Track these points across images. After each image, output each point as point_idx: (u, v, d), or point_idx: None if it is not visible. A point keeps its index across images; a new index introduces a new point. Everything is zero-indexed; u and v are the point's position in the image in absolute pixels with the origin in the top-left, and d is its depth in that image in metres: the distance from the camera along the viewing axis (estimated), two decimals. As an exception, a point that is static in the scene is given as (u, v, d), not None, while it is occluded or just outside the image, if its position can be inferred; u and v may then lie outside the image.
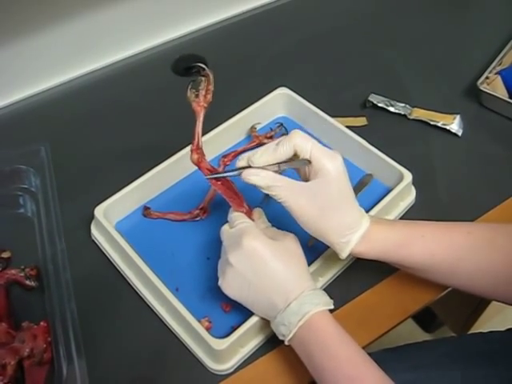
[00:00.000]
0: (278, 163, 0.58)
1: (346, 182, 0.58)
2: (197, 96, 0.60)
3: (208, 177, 0.61)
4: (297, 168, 0.60)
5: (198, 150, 0.61)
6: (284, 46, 1.02)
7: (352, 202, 0.59)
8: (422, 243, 0.59)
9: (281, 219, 0.67)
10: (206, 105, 0.61)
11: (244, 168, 0.58)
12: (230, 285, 0.59)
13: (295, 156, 0.58)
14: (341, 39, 1.04)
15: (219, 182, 0.62)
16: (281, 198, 0.57)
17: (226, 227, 0.62)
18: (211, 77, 0.60)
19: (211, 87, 0.61)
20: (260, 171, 0.57)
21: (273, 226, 0.63)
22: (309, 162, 0.57)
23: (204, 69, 0.60)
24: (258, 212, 0.63)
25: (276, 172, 0.58)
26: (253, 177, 0.57)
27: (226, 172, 0.62)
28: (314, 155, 0.57)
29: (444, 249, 0.59)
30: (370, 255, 0.60)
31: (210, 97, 0.61)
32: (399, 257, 0.60)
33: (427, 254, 0.59)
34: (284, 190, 0.56)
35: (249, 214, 0.62)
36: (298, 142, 0.57)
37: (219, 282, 0.60)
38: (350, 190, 0.58)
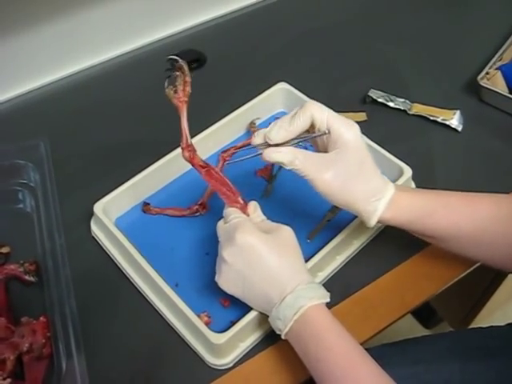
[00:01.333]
0: (295, 138, 0.57)
1: (365, 149, 0.58)
2: (176, 92, 0.59)
3: (204, 173, 0.61)
4: (312, 141, 0.60)
5: (189, 146, 0.61)
6: (283, 40, 1.02)
7: (374, 169, 0.59)
8: (447, 212, 0.59)
9: (281, 213, 0.67)
10: (186, 98, 0.60)
11: (262, 146, 0.58)
12: (226, 280, 0.59)
13: (311, 128, 0.58)
14: (341, 34, 1.03)
15: (213, 179, 0.61)
16: (304, 172, 0.56)
17: (221, 223, 0.62)
18: (185, 68, 0.59)
19: (188, 78, 0.59)
20: (281, 148, 0.57)
21: (272, 220, 0.63)
22: (327, 132, 0.57)
23: (177, 61, 0.58)
24: (253, 205, 0.63)
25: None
26: (274, 154, 0.57)
27: (243, 155, 0.61)
28: (331, 125, 0.56)
29: (468, 219, 0.59)
30: (396, 222, 0.59)
31: (188, 89, 0.60)
32: (423, 226, 0.59)
33: (452, 223, 0.59)
34: (307, 163, 0.56)
35: (244, 209, 0.62)
36: (314, 113, 0.57)
37: (216, 278, 0.60)
38: (370, 157, 0.58)
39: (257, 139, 0.59)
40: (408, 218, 0.59)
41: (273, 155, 0.57)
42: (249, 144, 0.81)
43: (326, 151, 0.58)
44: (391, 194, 0.58)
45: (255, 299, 0.59)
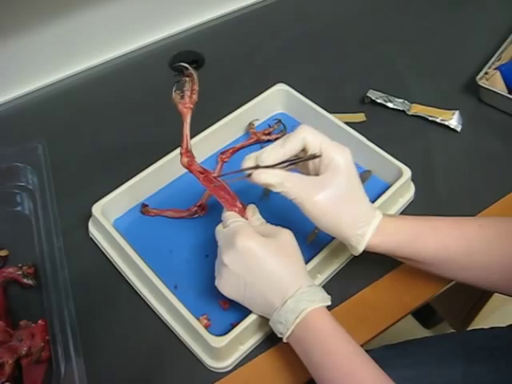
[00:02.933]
0: (287, 161, 0.57)
1: (355, 174, 0.58)
2: (182, 97, 0.59)
3: (210, 186, 0.61)
4: (303, 166, 0.60)
5: (188, 152, 0.60)
6: (282, 42, 1.02)
7: (363, 195, 0.59)
8: (435, 235, 0.59)
9: (280, 215, 0.67)
10: (191, 106, 0.60)
11: (251, 169, 0.57)
12: (226, 285, 0.58)
13: (303, 151, 0.58)
14: (339, 35, 1.03)
15: (211, 184, 0.61)
16: (293, 194, 0.56)
17: (219, 227, 0.61)
18: (195, 76, 0.59)
19: (196, 87, 0.59)
20: (270, 170, 0.56)
21: (271, 223, 0.62)
22: (319, 155, 0.56)
23: (187, 68, 0.59)
24: (251, 209, 0.63)
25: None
26: (264, 175, 0.56)
27: (233, 174, 0.60)
28: (323, 148, 0.56)
29: (456, 241, 0.58)
30: (385, 248, 0.59)
31: (195, 97, 0.60)
32: (413, 250, 0.59)
33: (441, 246, 0.58)
34: (296, 185, 0.56)
35: (242, 212, 0.62)
36: (307, 136, 0.57)
37: (216, 283, 0.59)
38: (359, 182, 0.58)
39: (248, 162, 0.58)
40: (397, 242, 0.58)
41: (262, 176, 0.56)
42: (248, 145, 0.82)
43: (316, 175, 0.58)
44: (379, 219, 0.58)
45: (256, 303, 0.58)
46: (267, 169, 0.56)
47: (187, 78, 0.59)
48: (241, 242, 0.56)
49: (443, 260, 0.59)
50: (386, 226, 0.58)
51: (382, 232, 0.58)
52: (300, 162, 0.58)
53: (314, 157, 0.57)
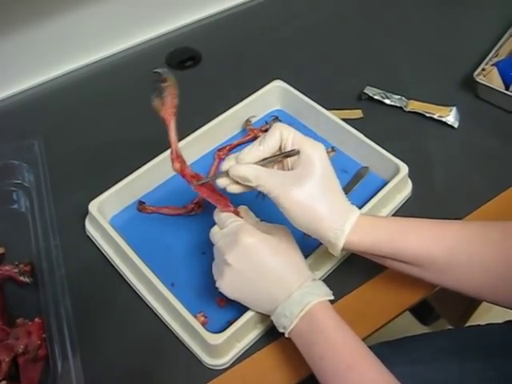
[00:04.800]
0: (265, 158, 0.57)
1: (331, 169, 0.57)
2: (163, 104, 0.59)
3: (195, 184, 0.60)
4: (280, 165, 0.60)
5: (179, 157, 0.60)
6: (279, 38, 1.02)
7: (340, 190, 0.58)
8: (416, 234, 0.58)
9: (275, 215, 0.66)
10: (174, 110, 0.59)
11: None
12: (230, 285, 0.58)
13: (280, 150, 0.58)
14: (337, 31, 1.03)
15: (204, 187, 0.61)
16: (269, 189, 0.56)
17: (215, 229, 0.61)
18: (173, 80, 0.58)
19: (175, 90, 0.59)
20: (246, 165, 0.57)
21: (269, 218, 0.62)
22: (297, 151, 0.56)
23: (161, 74, 0.58)
24: (244, 210, 0.63)
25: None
26: (239, 167, 0.56)
27: (212, 176, 0.61)
28: (300, 145, 0.56)
29: (437, 240, 0.58)
30: (364, 246, 0.57)
31: (176, 100, 0.59)
32: (393, 248, 0.57)
33: (422, 245, 0.57)
34: (271, 179, 0.56)
35: (236, 213, 0.62)
36: (283, 131, 0.57)
37: (217, 284, 0.59)
38: (335, 178, 0.58)
39: (228, 162, 0.58)
40: (376, 239, 0.57)
41: (239, 168, 0.56)
42: (245, 142, 0.82)
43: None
44: (357, 214, 0.57)
45: (260, 301, 0.58)
46: (243, 165, 0.57)
47: (165, 84, 0.58)
48: (245, 239, 0.56)
49: (424, 260, 0.58)
50: (365, 224, 0.57)
51: (361, 229, 0.57)
52: (279, 159, 0.58)
53: (291, 153, 0.57)
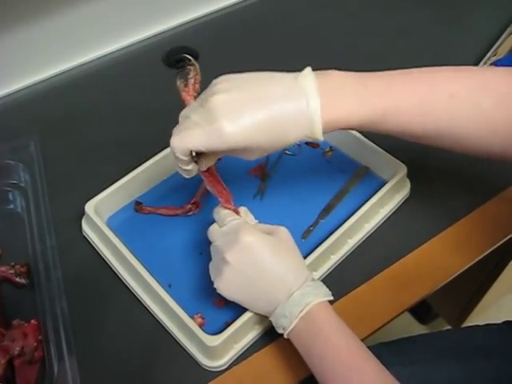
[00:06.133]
0: None
1: None
2: (186, 85, 0.60)
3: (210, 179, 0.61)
4: None
5: None
6: (276, 37, 1.01)
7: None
8: (397, 118, 0.53)
9: (275, 210, 0.67)
10: (195, 94, 0.60)
11: None
12: (229, 284, 0.58)
13: None
14: (336, 30, 1.03)
15: (209, 175, 0.61)
16: None
17: (215, 227, 0.61)
18: (198, 67, 0.60)
19: (199, 77, 0.60)
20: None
21: (267, 219, 0.62)
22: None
23: (190, 60, 0.59)
24: (244, 211, 0.62)
25: None
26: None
27: None
28: None
29: (423, 121, 0.53)
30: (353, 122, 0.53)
31: (198, 86, 0.60)
32: (374, 130, 0.54)
33: (406, 129, 0.54)
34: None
35: (236, 212, 0.61)
36: None
37: (215, 285, 0.58)
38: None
39: None
40: (349, 125, 0.53)
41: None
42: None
43: None
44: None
45: (259, 301, 0.58)
46: None
47: (191, 67, 0.59)
48: (245, 238, 0.55)
49: (409, 138, 0.55)
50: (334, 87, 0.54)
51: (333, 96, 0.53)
52: None
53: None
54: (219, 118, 0.50)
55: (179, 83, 0.60)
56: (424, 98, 0.53)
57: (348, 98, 0.53)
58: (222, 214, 0.60)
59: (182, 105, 0.59)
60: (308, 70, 0.52)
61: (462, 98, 0.53)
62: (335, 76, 0.53)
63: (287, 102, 0.52)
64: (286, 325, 0.55)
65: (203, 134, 0.51)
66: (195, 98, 0.59)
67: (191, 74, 0.60)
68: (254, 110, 0.51)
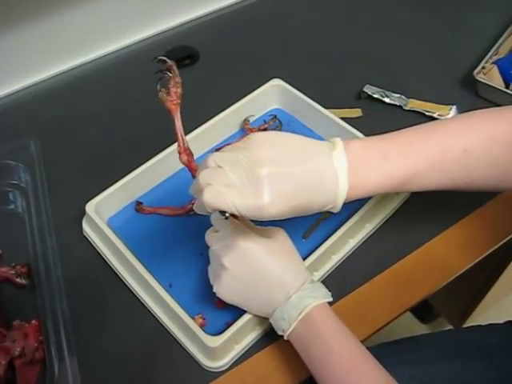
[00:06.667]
0: None
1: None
2: (168, 94, 0.58)
3: None
4: None
5: (186, 150, 0.59)
6: (277, 36, 1.01)
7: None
8: (416, 182, 0.55)
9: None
10: (179, 100, 0.58)
11: None
12: (228, 289, 0.58)
13: None
14: (336, 29, 1.02)
15: None
16: None
17: (211, 231, 0.60)
18: (175, 68, 0.57)
19: (178, 79, 0.57)
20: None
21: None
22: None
23: (166, 61, 0.57)
24: None
25: None
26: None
27: None
28: None
29: (439, 177, 0.56)
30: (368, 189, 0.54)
31: (180, 90, 0.58)
32: (396, 190, 0.56)
33: (423, 188, 0.56)
34: None
35: (234, 216, 0.61)
36: None
37: (214, 289, 0.58)
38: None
39: None
40: (373, 191, 0.54)
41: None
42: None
43: None
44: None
45: (258, 304, 0.58)
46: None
47: (170, 74, 0.58)
48: (242, 243, 0.55)
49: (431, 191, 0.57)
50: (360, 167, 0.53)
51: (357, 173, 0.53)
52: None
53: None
54: (264, 196, 0.48)
55: (161, 94, 0.58)
56: (440, 159, 0.55)
57: (372, 175, 0.54)
58: (219, 218, 0.60)
59: (169, 115, 0.58)
60: (340, 147, 0.53)
61: (476, 152, 0.55)
62: (359, 151, 0.54)
63: (323, 183, 0.52)
64: (285, 327, 0.55)
65: (241, 202, 0.48)
66: (179, 104, 0.58)
67: (171, 82, 0.57)
68: (295, 190, 0.50)
